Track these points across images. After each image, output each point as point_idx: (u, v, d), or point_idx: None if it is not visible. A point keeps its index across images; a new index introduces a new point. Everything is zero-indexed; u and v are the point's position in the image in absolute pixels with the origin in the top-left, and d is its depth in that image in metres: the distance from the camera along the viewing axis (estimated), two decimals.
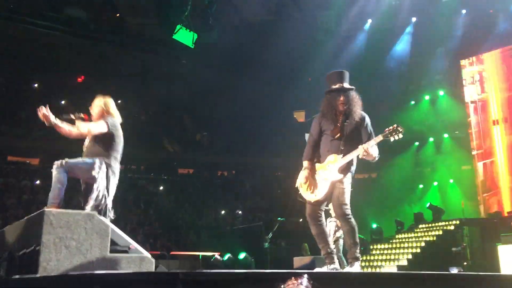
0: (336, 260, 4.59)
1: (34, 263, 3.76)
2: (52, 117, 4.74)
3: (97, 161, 4.86)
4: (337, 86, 4.65)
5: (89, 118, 5.11)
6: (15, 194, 15.74)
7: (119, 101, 22.68)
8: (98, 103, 5.15)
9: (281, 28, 18.54)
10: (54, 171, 4.66)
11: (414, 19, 18.27)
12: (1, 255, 4.36)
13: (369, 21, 18.37)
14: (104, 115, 5.06)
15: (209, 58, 22.19)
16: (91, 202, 4.84)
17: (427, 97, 20.21)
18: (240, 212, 18.32)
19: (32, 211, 4.94)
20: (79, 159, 4.84)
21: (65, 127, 4.83)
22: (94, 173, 4.82)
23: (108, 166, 4.93)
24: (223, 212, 19.59)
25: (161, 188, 20.74)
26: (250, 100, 22.66)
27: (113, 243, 4.16)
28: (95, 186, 4.87)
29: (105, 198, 4.96)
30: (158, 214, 18.04)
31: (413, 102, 20.64)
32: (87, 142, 5.09)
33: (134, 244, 4.35)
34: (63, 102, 20.32)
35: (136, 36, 21.43)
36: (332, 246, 4.77)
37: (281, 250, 12.06)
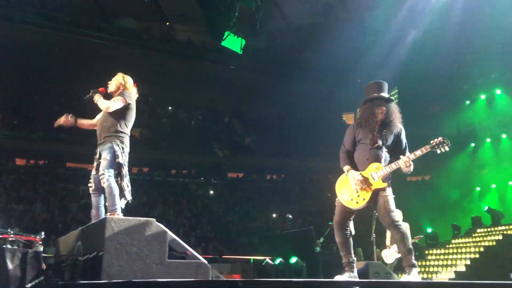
0: (355, 269, 4.59)
1: (97, 268, 3.92)
2: (72, 119, 5.05)
3: (115, 147, 4.96)
4: (377, 95, 4.62)
5: (106, 92, 5.26)
6: (75, 198, 16.44)
7: (170, 108, 23.36)
8: (117, 78, 5.29)
9: (328, 30, 18.40)
10: (105, 181, 4.81)
11: (466, 16, 17.59)
12: (65, 259, 4.58)
13: (420, 20, 17.85)
14: (120, 90, 5.19)
15: (257, 63, 22.36)
16: (126, 188, 4.98)
17: (483, 97, 19.49)
18: (290, 215, 18.24)
19: (90, 215, 5.16)
20: (106, 158, 4.92)
21: (84, 122, 5.16)
22: (120, 160, 4.95)
23: (124, 148, 5.05)
24: (273, 215, 19.63)
25: (212, 192, 21.04)
26: (299, 103, 22.61)
27: (170, 249, 4.28)
28: (123, 172, 4.99)
29: (128, 180, 5.09)
30: (209, 218, 18.31)
31: (468, 102, 19.96)
32: (100, 115, 5.22)
33: (190, 250, 4.45)
34: None
35: (185, 43, 21.93)
36: (354, 256, 4.71)
37: (333, 255, 11.93)
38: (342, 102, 21.22)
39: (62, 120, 5.23)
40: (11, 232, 4.87)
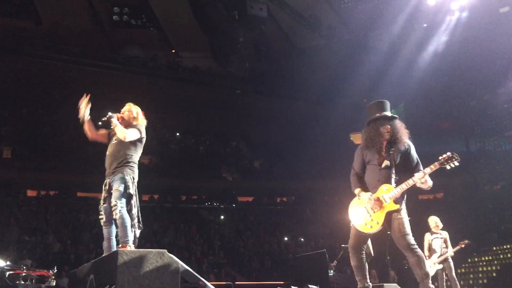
0: None
1: None
2: (87, 112, 5.08)
3: (127, 177, 4.97)
4: (380, 114, 4.60)
5: (122, 120, 5.25)
6: (86, 228, 16.44)
7: (178, 134, 23.52)
8: (129, 109, 5.31)
9: (330, 51, 18.54)
10: (118, 212, 4.81)
11: (470, 33, 17.54)
12: None
13: (425, 37, 17.77)
14: (132, 121, 5.21)
15: (262, 86, 22.55)
16: (135, 218, 4.97)
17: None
18: (302, 239, 18.12)
19: (102, 245, 5.13)
20: (118, 189, 4.92)
21: (92, 129, 5.16)
22: (130, 191, 4.95)
23: (134, 177, 5.06)
24: (285, 238, 19.46)
25: (222, 217, 20.96)
26: (305, 124, 22.68)
27: (183, 280, 4.24)
28: (132, 202, 4.98)
29: (138, 210, 5.08)
30: (221, 244, 18.19)
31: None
32: (110, 145, 5.21)
33: (203, 280, 4.41)
34: None
35: (191, 70, 22.18)
36: (369, 281, 4.63)
37: (347, 278, 11.76)
38: (350, 122, 21.20)
39: (82, 110, 5.22)
40: (24, 267, 4.86)
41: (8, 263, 8.81)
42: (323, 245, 18.44)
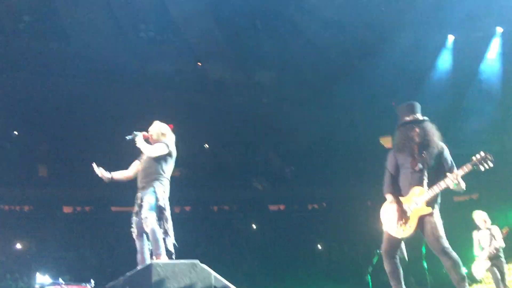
0: None
1: None
2: (107, 174, 5.18)
3: (158, 190, 5.03)
4: (410, 118, 4.54)
5: (147, 138, 5.35)
6: (122, 242, 16.69)
7: (206, 145, 23.68)
8: (156, 127, 5.39)
9: (359, 58, 18.41)
10: (148, 225, 4.89)
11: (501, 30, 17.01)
12: None
13: (451, 37, 17.42)
14: (161, 139, 5.29)
15: (289, 94, 22.57)
16: (170, 232, 5.03)
17: None
18: (336, 245, 17.95)
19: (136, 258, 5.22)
20: (148, 202, 4.99)
21: (120, 174, 5.25)
22: (161, 204, 5.01)
23: (165, 191, 5.12)
24: (318, 246, 19.30)
25: (254, 226, 20.96)
26: (336, 130, 22.53)
27: None
28: (164, 215, 5.04)
29: (171, 223, 5.15)
30: (253, 253, 18.18)
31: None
32: (141, 161, 5.29)
33: None
34: None
35: (217, 81, 22.41)
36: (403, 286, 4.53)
37: (383, 284, 11.58)
38: (380, 126, 20.96)
39: (98, 174, 5.40)
40: (63, 282, 4.99)
41: (47, 278, 9.04)
42: (357, 251, 18.24)
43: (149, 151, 5.13)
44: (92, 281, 5.51)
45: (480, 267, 7.96)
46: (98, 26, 19.31)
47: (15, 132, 22.86)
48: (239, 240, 19.19)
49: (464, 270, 4.26)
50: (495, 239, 7.66)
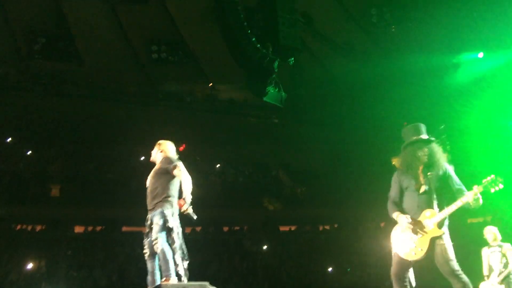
0: None
1: None
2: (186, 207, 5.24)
3: (166, 211, 5.05)
4: (417, 138, 4.51)
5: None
6: (131, 263, 16.66)
7: (218, 166, 23.68)
8: (158, 148, 5.42)
9: (364, 77, 18.44)
10: (159, 246, 4.89)
11: None
12: None
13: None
14: (163, 157, 5.32)
15: (299, 114, 22.60)
16: (178, 251, 5.03)
17: None
18: (348, 269, 17.71)
19: (146, 279, 5.20)
20: (157, 224, 5.00)
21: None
22: (170, 224, 5.02)
23: (174, 212, 5.14)
24: (329, 269, 19.05)
25: (265, 247, 20.79)
26: (346, 150, 22.46)
27: None
28: (173, 235, 5.05)
29: (182, 242, 5.15)
30: (264, 274, 18.00)
31: None
32: (148, 183, 5.30)
33: None
34: None
35: (227, 102, 22.56)
36: None
37: None
38: (390, 147, 20.83)
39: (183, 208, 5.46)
40: None
41: None
42: (369, 274, 17.96)
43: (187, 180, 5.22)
44: None
45: (493, 287, 7.40)
46: (111, 47, 19.62)
47: (28, 152, 23.14)
48: (250, 261, 19.02)
49: None
50: (505, 259, 7.23)
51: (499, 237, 7.45)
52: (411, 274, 4.60)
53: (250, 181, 24.73)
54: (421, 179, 4.36)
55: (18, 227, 19.07)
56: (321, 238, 22.39)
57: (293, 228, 23.47)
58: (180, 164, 5.27)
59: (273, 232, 22.45)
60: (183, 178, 5.17)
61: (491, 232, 7.48)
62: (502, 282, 7.14)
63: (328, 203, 23.54)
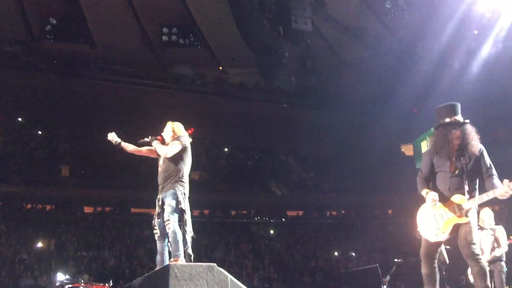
0: None
1: None
2: (117, 139, 5.30)
3: (178, 193, 5.07)
4: (450, 119, 4.40)
5: (162, 140, 5.39)
6: (140, 243, 16.87)
7: (226, 149, 23.72)
8: (169, 128, 5.43)
9: (377, 62, 18.25)
10: (170, 227, 4.92)
11: None
12: None
13: (486, 48, 16.82)
14: (174, 138, 5.32)
15: (309, 99, 22.51)
16: (188, 231, 5.05)
17: None
18: (353, 254, 17.77)
19: (155, 259, 5.25)
20: (170, 205, 5.03)
21: (129, 146, 5.34)
22: (182, 206, 5.03)
23: (185, 192, 5.15)
24: (336, 253, 19.15)
25: (272, 232, 20.93)
26: (354, 136, 22.37)
27: None
28: (185, 217, 5.06)
29: (190, 224, 5.17)
30: (271, 258, 18.14)
31: None
32: (161, 162, 5.34)
33: None
34: None
35: (238, 86, 22.52)
36: None
37: None
38: (400, 133, 20.72)
39: (109, 137, 5.55)
40: (82, 281, 5.06)
41: (67, 277, 9.18)
42: (375, 259, 18.02)
43: (164, 152, 5.19)
44: (111, 281, 5.54)
45: None
46: (123, 28, 19.59)
47: (39, 132, 23.35)
48: (257, 245, 19.17)
49: (489, 280, 4.15)
50: (497, 242, 7.21)
51: (493, 221, 7.41)
52: (443, 252, 4.56)
53: (258, 165, 24.80)
54: (454, 162, 4.29)
55: (29, 206, 19.35)
56: (328, 224, 22.48)
57: (300, 213, 23.58)
58: (184, 145, 5.25)
59: (281, 217, 22.57)
60: (169, 151, 5.17)
61: (487, 216, 7.41)
62: (491, 265, 7.10)
63: (336, 189, 23.58)
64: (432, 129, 4.56)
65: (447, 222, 4.23)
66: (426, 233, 4.33)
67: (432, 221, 4.29)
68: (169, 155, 5.19)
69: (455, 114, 4.42)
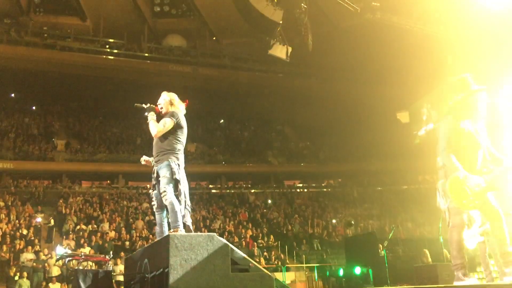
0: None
1: (164, 285, 4.01)
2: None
3: (172, 164, 5.05)
4: (479, 88, 4.35)
5: (159, 113, 5.34)
6: (139, 216, 16.97)
7: (222, 121, 23.58)
8: (164, 98, 5.37)
9: (375, 30, 18.02)
10: (167, 198, 4.92)
11: None
12: (133, 277, 4.72)
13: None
14: (169, 109, 5.27)
15: (305, 69, 22.32)
16: (184, 204, 5.04)
17: None
18: (352, 221, 17.95)
19: (154, 231, 5.30)
20: (165, 176, 5.02)
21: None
22: (177, 177, 5.02)
23: (180, 163, 5.12)
24: (333, 221, 19.37)
25: (270, 201, 21.08)
26: (351, 105, 22.31)
27: (233, 262, 4.29)
28: (180, 187, 5.05)
29: (186, 195, 5.14)
30: (269, 227, 18.32)
31: None
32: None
33: (253, 262, 4.45)
34: None
35: (232, 56, 22.27)
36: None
37: (398, 258, 11.62)
38: (396, 101, 20.65)
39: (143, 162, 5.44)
40: (82, 253, 5.09)
41: (68, 250, 9.27)
42: (372, 226, 18.26)
43: (154, 131, 5.15)
44: (111, 253, 5.57)
45: (473, 238, 7.54)
46: (114, 0, 19.24)
47: (33, 108, 23.18)
48: (255, 215, 19.33)
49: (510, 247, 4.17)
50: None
51: None
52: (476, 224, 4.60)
53: (255, 135, 24.78)
54: (482, 133, 4.26)
55: (26, 182, 19.36)
56: (325, 192, 22.64)
57: (297, 182, 23.72)
58: (176, 121, 5.19)
59: (278, 187, 22.71)
60: (158, 131, 5.12)
61: None
62: (482, 234, 7.13)
63: (333, 158, 23.67)
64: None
65: (478, 193, 4.24)
66: (459, 203, 4.33)
67: (464, 192, 4.28)
68: (159, 135, 5.15)
69: (473, 83, 4.39)
